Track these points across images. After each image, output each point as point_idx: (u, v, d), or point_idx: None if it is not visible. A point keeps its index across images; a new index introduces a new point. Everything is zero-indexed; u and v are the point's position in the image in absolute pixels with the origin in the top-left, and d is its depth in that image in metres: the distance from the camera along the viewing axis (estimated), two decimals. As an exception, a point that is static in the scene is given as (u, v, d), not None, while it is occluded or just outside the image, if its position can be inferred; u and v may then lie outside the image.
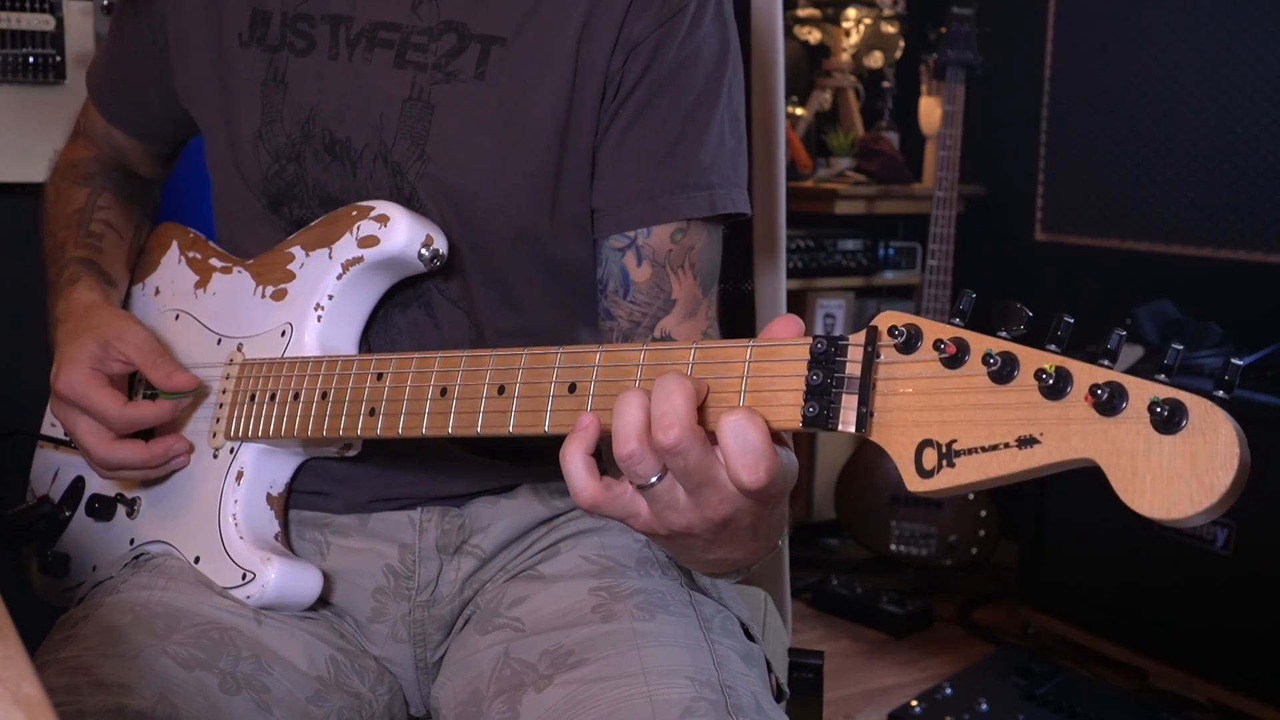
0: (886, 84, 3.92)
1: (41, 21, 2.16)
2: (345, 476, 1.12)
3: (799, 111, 3.89)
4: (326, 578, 1.09)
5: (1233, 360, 0.61)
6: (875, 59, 3.87)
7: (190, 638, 1.00)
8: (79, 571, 1.18)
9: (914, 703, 2.58)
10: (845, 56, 3.90)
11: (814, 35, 3.95)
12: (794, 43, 4.03)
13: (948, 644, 3.05)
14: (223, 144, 1.14)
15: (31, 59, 2.13)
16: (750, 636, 1.08)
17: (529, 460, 1.13)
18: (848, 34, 3.88)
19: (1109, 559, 2.73)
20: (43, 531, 1.20)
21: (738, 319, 1.47)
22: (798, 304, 3.65)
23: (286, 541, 1.10)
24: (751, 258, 1.48)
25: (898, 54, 3.88)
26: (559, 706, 0.94)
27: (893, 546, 3.27)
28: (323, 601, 1.09)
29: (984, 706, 2.53)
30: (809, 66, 4.07)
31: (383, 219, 1.04)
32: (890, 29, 3.85)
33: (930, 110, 3.69)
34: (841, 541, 3.68)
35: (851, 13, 3.85)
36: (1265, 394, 2.48)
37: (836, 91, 3.98)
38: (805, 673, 1.36)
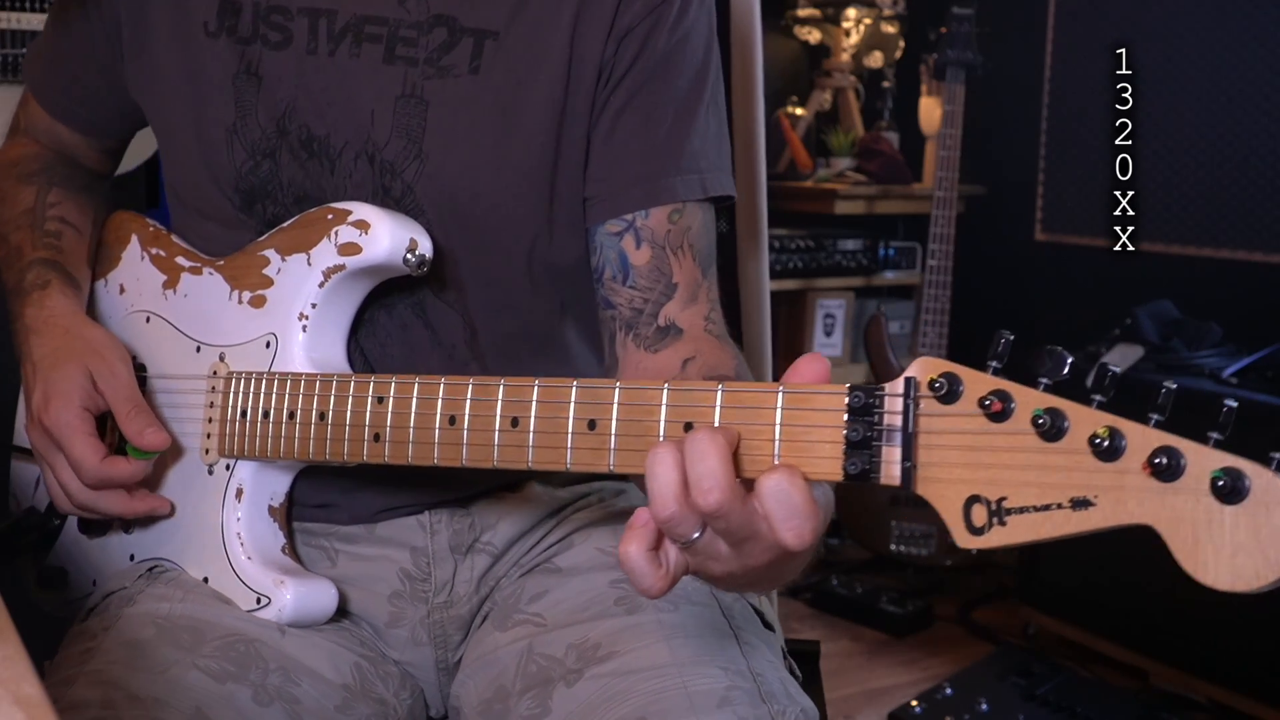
0: (886, 84, 3.91)
1: (41, 21, 2.16)
2: (350, 488, 1.10)
3: (799, 111, 3.89)
4: (341, 586, 1.07)
5: None
6: (875, 59, 3.86)
7: (217, 650, 0.98)
8: (79, 585, 1.15)
9: (914, 703, 2.58)
10: (845, 56, 3.90)
11: (814, 35, 3.95)
12: (794, 43, 4.03)
13: (948, 644, 3.05)
14: (189, 140, 1.10)
15: (31, 59, 2.12)
16: (766, 624, 1.08)
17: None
18: (848, 34, 3.88)
19: (1109, 559, 2.73)
20: (35, 543, 1.17)
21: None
22: (798, 304, 3.64)
23: (294, 551, 1.09)
24: (735, 258, 1.48)
25: (898, 54, 3.87)
26: (592, 700, 0.94)
27: (893, 546, 3.27)
28: (340, 611, 1.08)
29: (984, 706, 2.53)
30: (809, 66, 4.07)
31: (363, 225, 1.00)
32: (890, 29, 3.85)
33: (930, 110, 3.69)
34: (841, 541, 3.67)
35: (851, 13, 3.85)
36: (1265, 394, 2.48)
37: (836, 91, 3.98)
38: (802, 663, 1.36)
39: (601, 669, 0.96)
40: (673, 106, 1.07)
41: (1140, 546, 2.21)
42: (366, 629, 1.11)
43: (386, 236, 1.00)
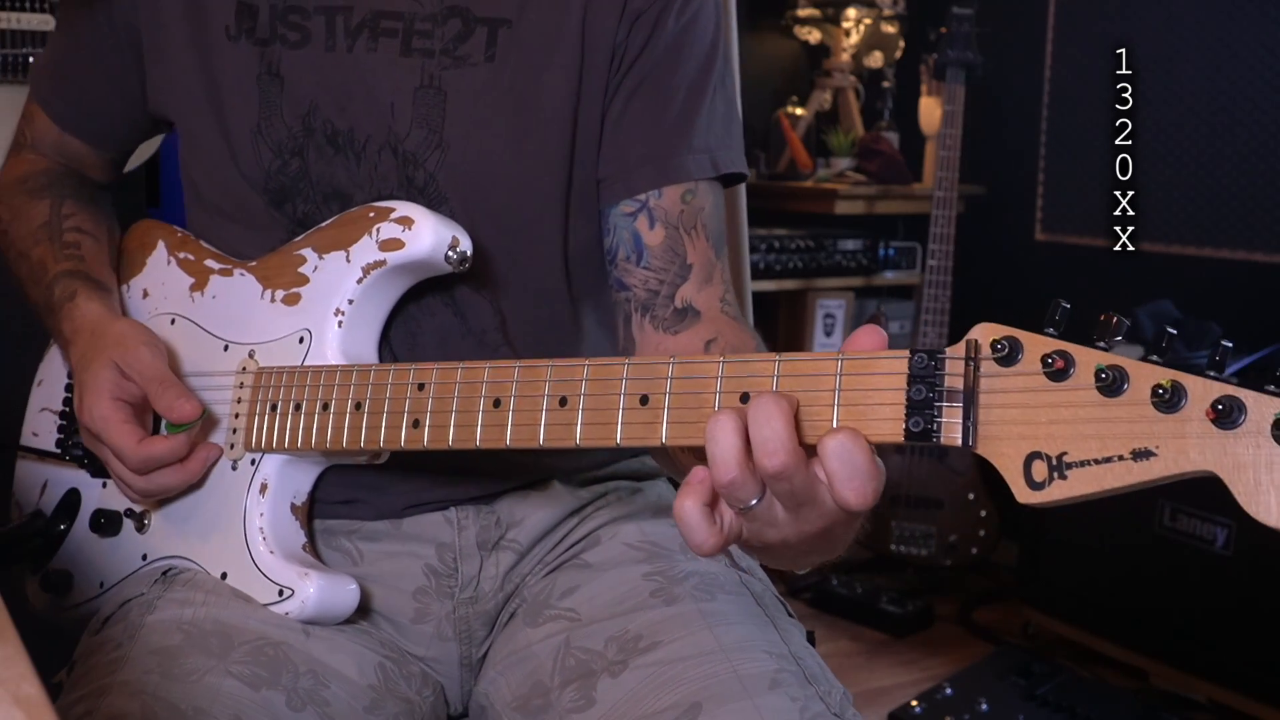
0: (886, 84, 3.91)
1: (41, 21, 2.16)
2: (377, 484, 1.10)
3: (799, 111, 3.89)
4: (364, 585, 1.07)
5: None
6: (875, 59, 3.87)
7: (247, 655, 0.98)
8: (84, 589, 1.14)
9: (914, 703, 2.58)
10: (845, 56, 3.90)
11: (814, 35, 3.95)
12: (794, 43, 4.03)
13: (948, 644, 3.05)
14: (216, 143, 1.11)
15: (31, 59, 2.13)
16: (788, 613, 1.09)
17: (561, 451, 1.14)
18: (848, 34, 3.88)
19: (1109, 559, 2.73)
20: (38, 548, 1.16)
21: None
22: (798, 304, 3.64)
23: (314, 551, 1.08)
24: None
25: (898, 54, 3.87)
26: (639, 689, 0.94)
27: (893, 546, 3.27)
28: (361, 610, 1.07)
29: (984, 706, 2.53)
30: (809, 66, 4.07)
31: (406, 221, 1.01)
32: (890, 29, 3.85)
33: (930, 110, 3.69)
34: (841, 541, 3.67)
35: (851, 13, 3.85)
36: (1265, 394, 2.48)
37: (836, 91, 3.98)
38: None
39: (646, 659, 0.96)
40: (684, 87, 1.09)
41: (1140, 545, 2.21)
42: (386, 628, 1.11)
43: (430, 233, 1.00)
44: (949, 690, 2.61)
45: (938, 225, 3.26)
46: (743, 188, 1.54)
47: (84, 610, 1.13)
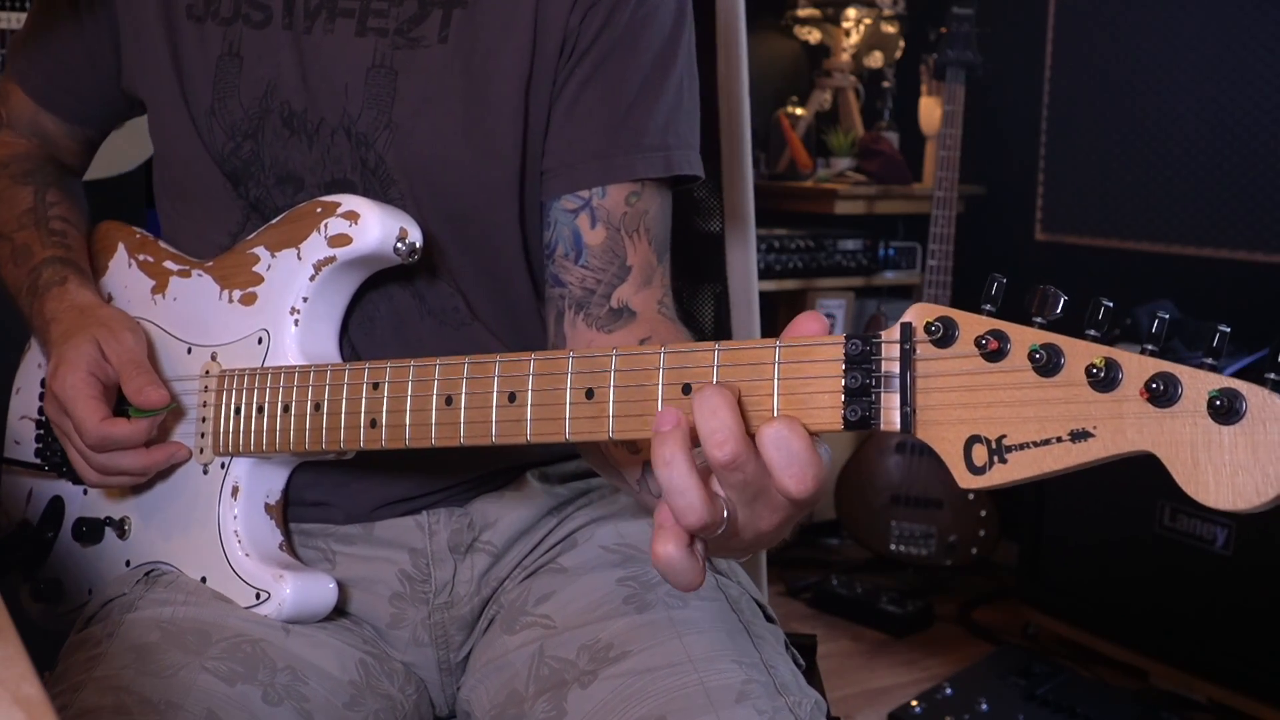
0: (886, 84, 3.92)
1: (41, 21, 2.16)
2: (345, 483, 1.10)
3: (799, 111, 3.89)
4: (341, 587, 1.07)
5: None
6: (875, 59, 3.87)
7: (224, 652, 0.98)
8: (74, 595, 1.15)
9: (914, 703, 2.58)
10: (845, 56, 3.90)
11: (814, 35, 3.95)
12: (794, 43, 4.04)
13: (948, 644, 3.05)
14: (184, 121, 1.10)
15: (31, 59, 2.13)
16: (768, 618, 1.08)
17: (530, 444, 1.13)
18: (848, 34, 3.88)
19: (1109, 559, 2.73)
20: (28, 556, 1.16)
21: (711, 318, 1.48)
22: (798, 304, 3.64)
23: (291, 549, 1.08)
24: (724, 258, 1.48)
25: (898, 54, 3.88)
26: (608, 701, 0.94)
27: (893, 546, 3.27)
28: (341, 611, 1.07)
29: (984, 706, 2.53)
30: (809, 66, 4.07)
31: (352, 215, 1.00)
32: (890, 29, 3.85)
33: (930, 110, 3.69)
34: (841, 541, 3.68)
35: (851, 13, 3.85)
36: (1265, 394, 2.48)
37: (836, 91, 3.98)
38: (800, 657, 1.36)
39: (616, 669, 0.96)
40: (637, 82, 1.06)
41: (1140, 545, 2.21)
42: (368, 629, 1.11)
43: (376, 226, 1.00)
44: (949, 690, 2.61)
45: (938, 225, 3.26)
46: (750, 190, 1.53)
47: (75, 616, 1.12)
